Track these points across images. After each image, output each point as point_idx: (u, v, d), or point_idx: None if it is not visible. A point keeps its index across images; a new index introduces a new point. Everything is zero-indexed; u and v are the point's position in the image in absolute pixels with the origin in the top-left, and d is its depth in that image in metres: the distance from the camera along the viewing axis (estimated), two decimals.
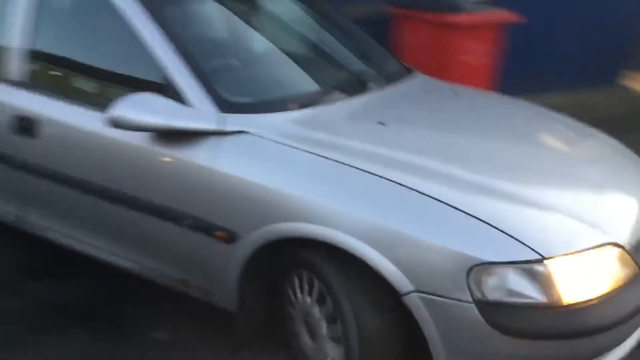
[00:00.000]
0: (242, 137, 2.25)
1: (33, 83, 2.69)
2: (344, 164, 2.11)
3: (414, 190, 2.00)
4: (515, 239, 1.87)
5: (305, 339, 2.25)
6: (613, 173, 2.45)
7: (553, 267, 1.84)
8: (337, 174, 2.11)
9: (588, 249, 1.92)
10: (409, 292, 1.91)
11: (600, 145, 2.73)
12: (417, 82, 2.98)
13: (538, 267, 1.84)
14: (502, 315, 1.84)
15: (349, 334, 2.04)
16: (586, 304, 1.87)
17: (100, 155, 2.47)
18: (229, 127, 2.26)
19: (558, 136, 2.73)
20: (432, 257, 1.90)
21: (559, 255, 1.86)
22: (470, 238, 1.89)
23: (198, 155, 2.26)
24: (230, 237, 2.21)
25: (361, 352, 2.03)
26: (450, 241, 1.89)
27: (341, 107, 2.53)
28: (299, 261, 2.19)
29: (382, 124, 2.39)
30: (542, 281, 1.84)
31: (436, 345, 1.91)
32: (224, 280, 2.28)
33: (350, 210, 2.00)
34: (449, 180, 2.08)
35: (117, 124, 2.23)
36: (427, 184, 2.03)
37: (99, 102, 2.42)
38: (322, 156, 2.15)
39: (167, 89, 2.32)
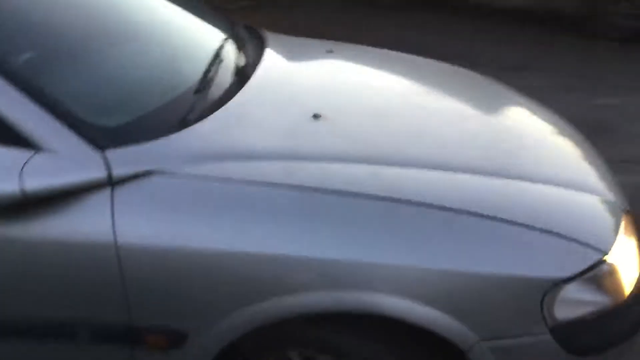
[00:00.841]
0: (142, 182, 1.43)
1: None
2: (322, 190, 1.47)
3: (434, 207, 1.48)
4: (578, 241, 1.51)
5: None
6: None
7: (614, 260, 1.55)
8: (321, 207, 1.47)
9: (620, 224, 1.67)
10: (474, 344, 1.44)
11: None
12: (285, 47, 2.30)
13: (603, 266, 1.52)
14: (578, 334, 1.51)
15: None
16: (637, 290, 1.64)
17: None
18: (120, 171, 1.42)
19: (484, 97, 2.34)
20: (491, 291, 1.44)
21: (613, 244, 1.57)
22: (531, 254, 1.47)
23: (79, 226, 1.40)
24: (173, 340, 1.44)
25: None
26: (509, 265, 1.44)
27: (248, 104, 1.78)
28: (289, 342, 1.53)
29: (317, 116, 1.76)
30: (608, 279, 1.54)
31: None
32: None
33: (371, 258, 1.41)
34: (457, 181, 1.60)
35: None
36: (442, 193, 1.52)
37: None
38: (290, 186, 1.47)
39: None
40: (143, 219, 1.41)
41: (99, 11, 1.95)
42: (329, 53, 2.37)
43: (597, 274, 1.51)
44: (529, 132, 2.07)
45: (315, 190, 1.48)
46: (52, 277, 1.44)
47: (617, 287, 1.55)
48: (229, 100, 1.72)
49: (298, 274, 1.40)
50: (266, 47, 2.16)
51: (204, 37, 2.10)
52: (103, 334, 1.47)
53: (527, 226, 1.49)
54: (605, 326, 1.54)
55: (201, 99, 1.68)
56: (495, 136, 1.93)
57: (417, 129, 1.88)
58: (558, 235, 1.50)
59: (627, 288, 1.58)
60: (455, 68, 2.51)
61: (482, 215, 1.49)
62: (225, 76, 1.85)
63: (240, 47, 2.09)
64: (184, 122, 1.58)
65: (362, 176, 1.55)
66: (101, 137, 1.44)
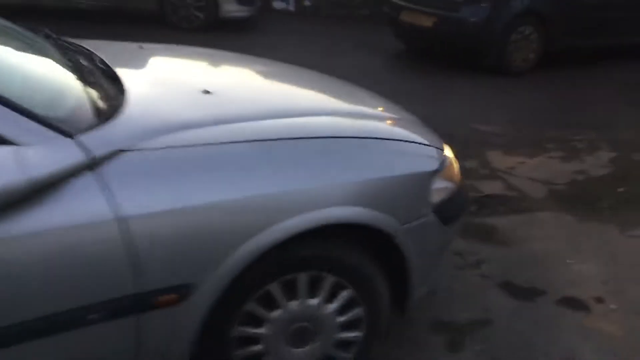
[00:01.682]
0: (121, 159, 1.54)
1: None
2: (261, 140, 1.78)
3: (341, 137, 1.94)
4: (432, 145, 2.13)
5: (288, 350, 1.90)
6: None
7: (450, 156, 2.23)
8: (263, 154, 1.76)
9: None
10: (398, 229, 1.93)
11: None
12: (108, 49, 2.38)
13: (447, 161, 2.18)
14: (445, 211, 2.12)
15: (379, 306, 1.96)
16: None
17: None
18: (100, 152, 1.50)
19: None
20: (401, 189, 1.95)
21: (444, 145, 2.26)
22: (413, 157, 2.05)
23: (69, 210, 1.44)
24: (183, 294, 1.60)
25: (384, 317, 1.97)
26: (408, 167, 1.98)
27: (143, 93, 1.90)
28: (284, 269, 1.81)
29: (207, 92, 2.01)
30: (451, 170, 2.20)
31: (412, 263, 2.00)
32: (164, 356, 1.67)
33: (327, 181, 1.79)
34: (346, 116, 2.10)
35: None
36: (342, 125, 2.01)
37: None
38: (234, 142, 1.74)
39: None
40: (138, 189, 1.51)
41: None
42: (141, 49, 2.57)
43: (445, 166, 2.15)
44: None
45: (252, 142, 1.76)
46: (56, 266, 1.43)
47: (455, 176, 2.22)
48: (122, 91, 1.82)
49: (272, 208, 1.69)
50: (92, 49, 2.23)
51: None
52: (110, 312, 1.51)
53: (400, 140, 2.05)
54: (454, 203, 2.19)
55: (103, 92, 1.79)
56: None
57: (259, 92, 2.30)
58: (421, 143, 2.10)
59: (459, 175, 2.27)
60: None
61: (372, 138, 1.99)
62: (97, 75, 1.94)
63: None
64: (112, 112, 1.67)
65: (270, 128, 1.87)
66: (72, 126, 1.51)
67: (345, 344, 1.97)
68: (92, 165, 1.48)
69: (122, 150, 1.53)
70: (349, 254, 1.91)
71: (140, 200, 1.51)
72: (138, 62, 2.31)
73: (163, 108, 1.81)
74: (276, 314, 1.83)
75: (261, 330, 1.84)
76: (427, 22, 6.53)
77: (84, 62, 2.00)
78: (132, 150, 1.55)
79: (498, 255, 2.86)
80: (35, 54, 1.99)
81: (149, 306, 1.56)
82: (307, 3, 9.47)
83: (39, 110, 1.48)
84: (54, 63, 1.90)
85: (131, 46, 2.61)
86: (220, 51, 2.90)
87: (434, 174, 2.05)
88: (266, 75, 2.63)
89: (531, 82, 6.23)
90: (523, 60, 6.52)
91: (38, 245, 1.41)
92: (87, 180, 1.46)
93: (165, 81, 2.10)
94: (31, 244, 1.41)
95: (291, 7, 9.43)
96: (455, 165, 2.25)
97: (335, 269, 1.87)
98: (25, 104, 1.47)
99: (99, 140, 1.52)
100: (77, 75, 1.84)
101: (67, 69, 1.86)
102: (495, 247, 2.93)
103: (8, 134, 1.40)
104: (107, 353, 1.59)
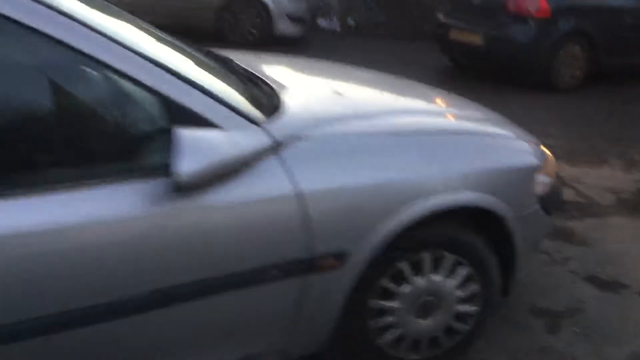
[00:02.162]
0: (300, 145, 1.80)
1: None
2: (409, 134, 2.07)
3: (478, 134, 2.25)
4: (534, 142, 2.40)
5: (415, 321, 2.12)
6: None
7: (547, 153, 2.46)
8: (418, 145, 2.05)
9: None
10: (509, 217, 2.15)
11: None
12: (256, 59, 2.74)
13: (547, 157, 2.41)
14: (546, 203, 2.35)
15: (492, 282, 2.19)
16: None
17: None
18: (284, 139, 1.78)
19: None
20: (513, 180, 2.19)
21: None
22: (524, 153, 2.30)
23: (261, 186, 1.71)
24: (341, 260, 1.85)
25: (496, 294, 2.22)
26: (518, 161, 2.23)
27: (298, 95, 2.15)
28: (413, 248, 2.04)
29: (338, 93, 2.29)
30: (550, 166, 2.43)
31: (519, 248, 2.23)
32: (314, 319, 1.91)
33: (456, 169, 2.05)
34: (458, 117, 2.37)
35: (200, 181, 1.55)
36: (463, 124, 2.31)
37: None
38: (396, 132, 2.04)
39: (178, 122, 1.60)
40: (317, 169, 1.79)
41: None
42: (260, 58, 2.86)
43: (545, 162, 2.38)
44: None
45: (393, 134, 2.03)
46: (252, 229, 1.69)
47: (553, 172, 2.45)
48: (282, 91, 2.10)
49: (413, 190, 1.94)
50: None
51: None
52: (284, 272, 1.75)
53: (510, 137, 2.30)
54: (553, 196, 2.42)
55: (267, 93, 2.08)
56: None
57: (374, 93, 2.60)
58: (526, 140, 2.35)
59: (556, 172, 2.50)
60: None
61: (486, 134, 2.26)
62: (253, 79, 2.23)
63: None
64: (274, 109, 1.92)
65: (403, 122, 2.14)
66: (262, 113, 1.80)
67: (463, 317, 2.19)
68: (276, 148, 1.74)
69: (298, 137, 1.80)
70: (466, 235, 2.14)
71: (314, 179, 1.77)
72: (268, 68, 2.58)
73: (314, 105, 2.08)
74: (406, 289, 2.07)
75: (393, 304, 2.07)
76: (476, 40, 6.79)
77: (235, 67, 2.29)
78: (305, 137, 1.81)
79: (580, 253, 3.09)
80: (202, 61, 2.24)
81: (314, 268, 1.80)
82: (350, 22, 9.81)
83: (232, 103, 1.75)
84: (218, 68, 2.17)
85: (250, 56, 2.86)
86: (322, 61, 3.18)
87: (537, 168, 2.28)
88: (370, 80, 2.90)
89: (581, 98, 6.43)
90: (571, 77, 6.73)
91: (235, 213, 1.67)
92: (271, 162, 1.72)
93: (301, 83, 2.38)
94: (231, 212, 1.67)
95: (336, 27, 9.77)
96: (552, 162, 2.48)
97: (454, 249, 2.10)
98: (224, 97, 1.74)
99: (279, 128, 1.79)
100: (237, 77, 2.12)
101: (229, 73, 2.14)
102: (577, 247, 3.17)
103: (216, 120, 1.66)
104: (274, 311, 1.83)
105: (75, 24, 1.52)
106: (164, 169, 1.54)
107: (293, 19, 7.95)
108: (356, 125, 1.99)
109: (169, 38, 2.15)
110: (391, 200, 1.90)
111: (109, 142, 1.62)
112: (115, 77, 1.57)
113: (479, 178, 2.08)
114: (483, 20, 6.81)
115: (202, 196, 1.59)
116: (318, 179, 1.78)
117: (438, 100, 2.69)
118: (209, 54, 2.34)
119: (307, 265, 1.79)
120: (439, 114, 2.47)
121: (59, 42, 1.48)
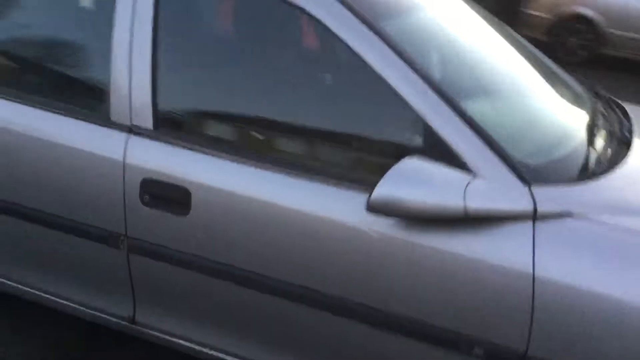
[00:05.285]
0: (563, 222, 1.47)
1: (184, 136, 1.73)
2: None
3: None
4: None
5: None
6: None
7: None
8: None
9: None
10: None
11: None
12: None
13: None
14: None
15: None
16: None
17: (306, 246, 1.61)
18: (545, 208, 1.47)
19: None
20: None
21: None
22: None
23: (497, 251, 1.44)
24: None
25: None
26: None
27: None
28: None
29: None
30: None
31: None
32: None
33: None
34: None
35: (383, 208, 1.45)
36: None
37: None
38: None
39: (425, 149, 1.53)
40: (562, 257, 1.44)
41: None
42: None
43: None
44: None
45: None
46: (461, 290, 1.48)
47: None
48: (621, 159, 1.74)
49: None
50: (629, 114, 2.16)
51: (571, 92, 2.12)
52: (495, 356, 1.49)
53: None
54: None
55: (599, 153, 1.74)
56: None
57: None
58: None
59: None
60: None
61: None
62: (607, 135, 1.88)
63: (606, 107, 2.12)
64: (593, 173, 1.63)
65: None
66: (531, 175, 1.51)
67: None
68: (534, 217, 1.46)
69: (569, 214, 1.47)
70: None
71: (561, 267, 1.43)
72: None
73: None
74: None
75: None
76: None
77: (608, 117, 1.98)
78: (580, 218, 1.47)
79: None
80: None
81: None
82: None
83: (510, 148, 1.52)
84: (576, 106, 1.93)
85: None
86: None
87: None
88: None
89: None
90: None
91: (454, 265, 1.47)
92: (524, 228, 1.45)
93: None
94: (450, 263, 1.47)
95: None
96: None
97: None
98: (500, 137, 1.52)
99: (553, 197, 1.49)
100: (591, 126, 1.83)
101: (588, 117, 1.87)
102: None
103: (471, 163, 1.46)
104: None
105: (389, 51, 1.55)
106: None
107: None
108: None
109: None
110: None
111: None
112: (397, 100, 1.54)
113: None
114: None
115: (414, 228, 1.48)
116: (557, 267, 1.43)
117: None
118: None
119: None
120: None
121: (363, 63, 1.56)
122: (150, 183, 1.71)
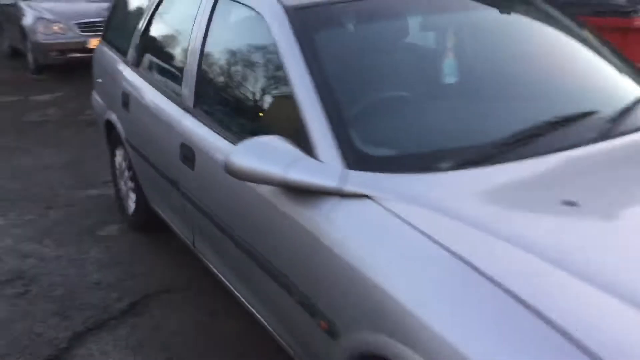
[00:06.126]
0: (361, 203, 1.72)
1: (194, 110, 2.63)
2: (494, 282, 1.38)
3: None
4: None
5: None
6: None
7: None
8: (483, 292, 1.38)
9: None
10: None
11: None
12: None
13: None
14: None
15: None
16: None
17: (237, 200, 2.24)
18: (347, 188, 1.75)
19: None
20: None
21: None
22: None
23: (311, 218, 1.81)
24: (332, 331, 1.73)
25: None
26: None
27: (520, 169, 1.78)
28: None
29: (570, 204, 1.61)
30: None
31: None
32: None
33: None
34: None
35: (231, 171, 1.88)
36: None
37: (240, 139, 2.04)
38: (464, 262, 1.44)
39: (301, 132, 1.94)
40: (344, 229, 1.70)
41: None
42: None
43: None
44: None
45: None
46: (293, 251, 1.91)
47: None
48: (510, 161, 1.81)
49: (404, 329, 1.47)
50: None
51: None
52: (303, 303, 1.89)
53: None
54: None
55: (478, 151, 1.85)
56: None
57: None
58: None
59: None
60: None
61: None
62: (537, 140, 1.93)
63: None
64: (430, 166, 1.78)
65: None
66: (354, 160, 1.79)
67: None
68: (337, 194, 1.77)
69: (369, 197, 1.71)
70: None
71: (341, 239, 1.70)
72: None
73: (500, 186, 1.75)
74: None
75: None
76: None
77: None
78: (376, 202, 1.69)
79: None
80: None
81: (315, 319, 1.82)
82: None
83: (358, 141, 1.87)
84: None
85: None
86: None
87: None
88: None
89: None
90: None
91: (284, 221, 1.93)
92: (326, 203, 1.79)
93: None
94: (279, 219, 1.96)
95: None
96: None
97: None
98: (357, 131, 1.90)
99: (362, 182, 1.75)
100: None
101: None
102: None
103: (317, 148, 1.87)
104: None
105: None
106: None
107: None
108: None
109: None
110: None
111: None
112: None
113: None
114: None
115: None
116: (340, 242, 1.69)
117: None
118: None
119: (311, 312, 1.86)
120: None
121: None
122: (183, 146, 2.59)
